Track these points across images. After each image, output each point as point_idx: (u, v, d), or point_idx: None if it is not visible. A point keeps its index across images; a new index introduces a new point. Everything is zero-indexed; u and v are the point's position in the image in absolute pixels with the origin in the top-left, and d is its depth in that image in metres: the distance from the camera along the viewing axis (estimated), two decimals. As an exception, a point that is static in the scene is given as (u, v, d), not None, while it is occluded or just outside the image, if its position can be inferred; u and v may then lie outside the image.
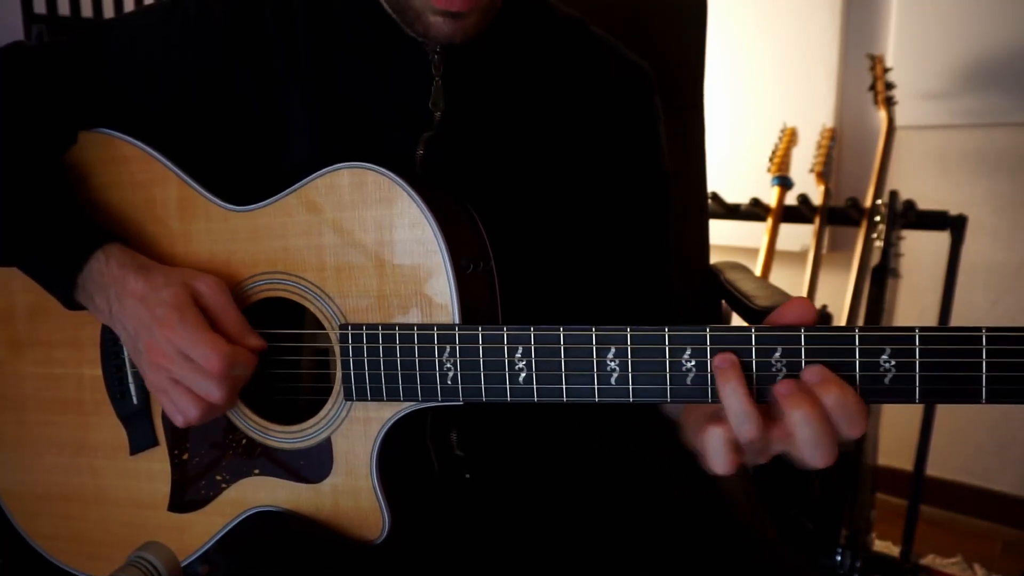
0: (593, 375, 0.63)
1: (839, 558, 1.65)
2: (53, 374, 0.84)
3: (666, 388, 0.61)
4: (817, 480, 1.62)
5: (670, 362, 0.60)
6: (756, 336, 0.58)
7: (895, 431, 1.94)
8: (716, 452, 0.59)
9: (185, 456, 0.79)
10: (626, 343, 0.61)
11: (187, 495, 0.79)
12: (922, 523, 1.91)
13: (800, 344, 0.57)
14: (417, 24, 0.72)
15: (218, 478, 0.78)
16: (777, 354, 0.58)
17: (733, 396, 0.57)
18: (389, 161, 0.70)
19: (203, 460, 0.79)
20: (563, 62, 0.84)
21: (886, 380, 0.56)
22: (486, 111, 0.81)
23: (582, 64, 0.84)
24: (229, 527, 0.78)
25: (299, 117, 0.79)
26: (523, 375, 0.64)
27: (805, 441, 0.56)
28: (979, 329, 0.54)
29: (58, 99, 0.79)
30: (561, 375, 0.63)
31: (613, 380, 0.62)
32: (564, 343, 0.63)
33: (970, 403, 0.54)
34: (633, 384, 0.62)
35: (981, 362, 0.54)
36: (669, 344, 0.60)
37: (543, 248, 0.82)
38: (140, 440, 0.80)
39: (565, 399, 0.64)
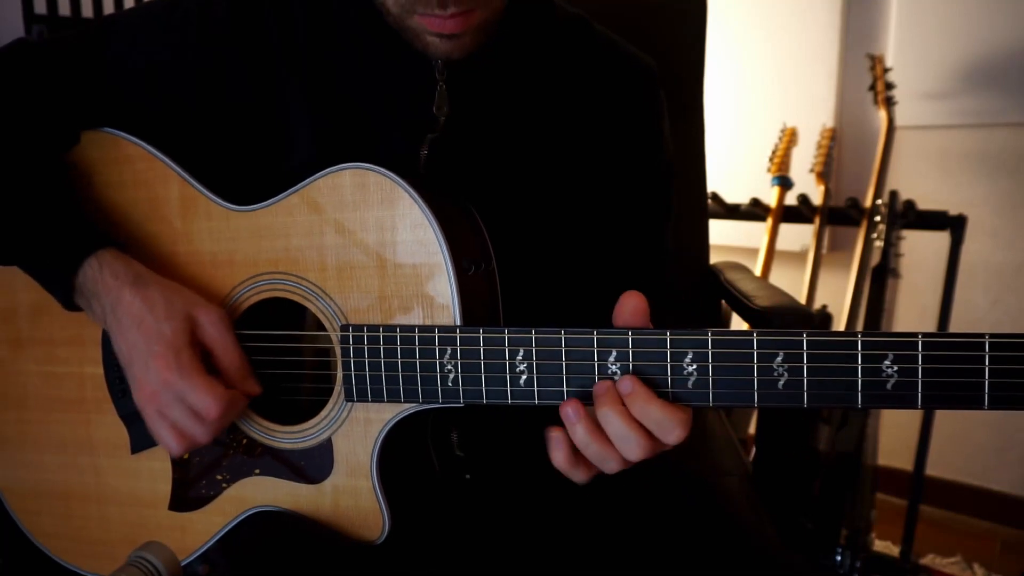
0: (594, 378, 0.63)
1: (839, 558, 1.66)
2: (55, 372, 0.84)
3: (668, 392, 0.61)
4: (817, 480, 1.62)
5: (671, 366, 0.60)
6: (758, 340, 0.58)
7: (895, 431, 1.94)
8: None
9: (186, 455, 0.79)
10: (628, 346, 0.61)
11: (188, 494, 0.80)
12: (922, 523, 1.91)
13: (802, 349, 0.57)
14: (416, 42, 0.72)
15: (219, 477, 0.78)
16: (779, 359, 0.58)
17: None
18: (392, 162, 0.69)
19: (204, 459, 0.79)
20: (567, 61, 0.83)
21: (888, 386, 0.56)
22: (490, 112, 0.80)
23: (586, 63, 0.84)
24: (229, 527, 0.78)
25: (300, 119, 0.78)
26: (524, 377, 0.64)
27: (614, 436, 0.62)
28: (982, 335, 0.53)
29: (59, 99, 0.78)
30: (562, 377, 0.63)
31: (615, 383, 0.62)
32: (565, 345, 0.63)
33: (973, 409, 0.54)
34: (635, 387, 0.61)
35: (984, 368, 0.54)
36: (671, 348, 0.60)
37: (545, 249, 0.81)
38: (141, 439, 0.80)
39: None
